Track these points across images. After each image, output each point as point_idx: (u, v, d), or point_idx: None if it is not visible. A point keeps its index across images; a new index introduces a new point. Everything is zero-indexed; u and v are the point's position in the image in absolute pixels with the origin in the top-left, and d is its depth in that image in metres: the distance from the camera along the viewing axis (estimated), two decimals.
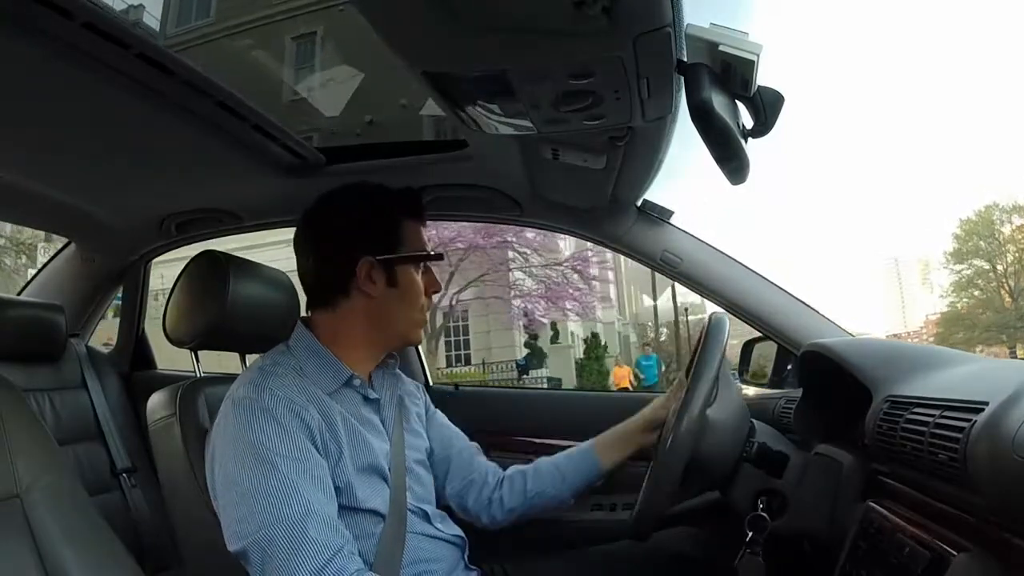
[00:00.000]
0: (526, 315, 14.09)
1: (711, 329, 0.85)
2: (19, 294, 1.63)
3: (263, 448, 0.75)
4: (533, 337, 14.98)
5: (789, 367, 1.17)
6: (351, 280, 0.87)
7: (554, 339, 15.14)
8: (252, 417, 0.77)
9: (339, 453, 0.81)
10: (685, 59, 0.66)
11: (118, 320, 1.67)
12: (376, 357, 0.93)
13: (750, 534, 0.84)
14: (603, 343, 15.56)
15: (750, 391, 1.32)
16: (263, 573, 0.71)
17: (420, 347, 1.56)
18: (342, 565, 0.71)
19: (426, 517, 0.91)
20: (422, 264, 0.91)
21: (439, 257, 0.95)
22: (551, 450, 1.39)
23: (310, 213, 0.92)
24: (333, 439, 0.81)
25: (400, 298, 0.89)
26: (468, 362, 14.76)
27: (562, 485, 1.02)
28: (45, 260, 1.67)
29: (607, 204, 1.15)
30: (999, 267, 23.30)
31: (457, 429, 1.08)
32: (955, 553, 0.54)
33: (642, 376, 12.63)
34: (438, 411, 1.07)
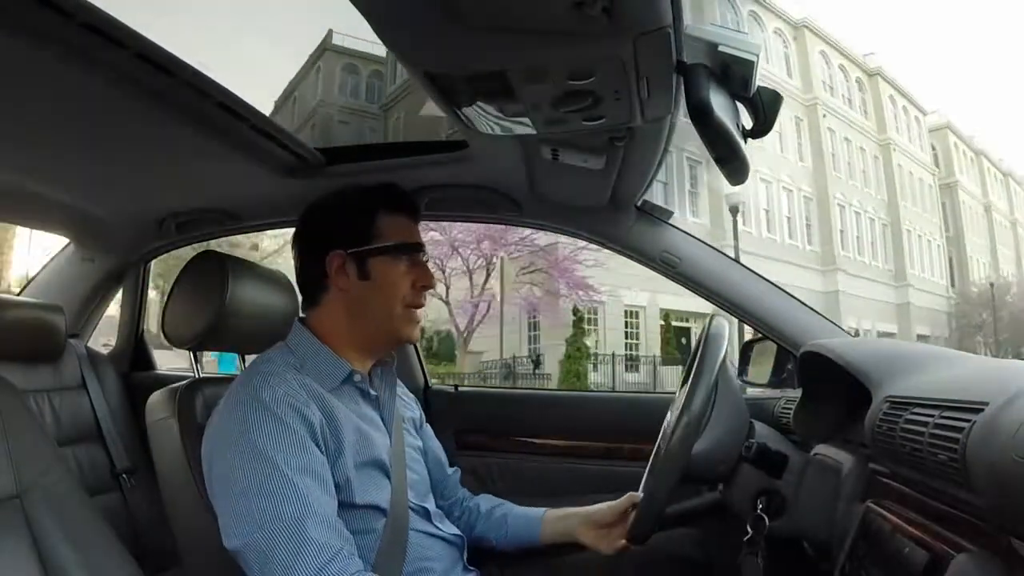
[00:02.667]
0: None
1: (711, 331, 0.85)
2: (19, 294, 1.63)
3: (263, 446, 0.75)
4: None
5: (789, 367, 1.17)
6: (326, 275, 0.87)
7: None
8: (252, 414, 0.77)
9: (339, 450, 0.81)
10: (685, 59, 0.66)
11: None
12: (367, 354, 0.91)
13: (750, 534, 0.84)
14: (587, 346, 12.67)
15: (750, 391, 1.32)
16: (261, 573, 0.71)
17: (419, 346, 1.56)
18: (342, 566, 0.71)
19: (426, 515, 0.91)
20: (405, 257, 0.89)
21: (416, 248, 0.90)
22: (550, 450, 1.39)
23: (300, 217, 0.93)
24: (334, 436, 0.81)
25: (375, 291, 0.87)
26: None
27: (504, 539, 1.00)
28: None
29: (607, 204, 1.15)
30: None
31: (441, 449, 1.07)
32: (955, 553, 0.54)
33: None
34: (428, 426, 1.07)
